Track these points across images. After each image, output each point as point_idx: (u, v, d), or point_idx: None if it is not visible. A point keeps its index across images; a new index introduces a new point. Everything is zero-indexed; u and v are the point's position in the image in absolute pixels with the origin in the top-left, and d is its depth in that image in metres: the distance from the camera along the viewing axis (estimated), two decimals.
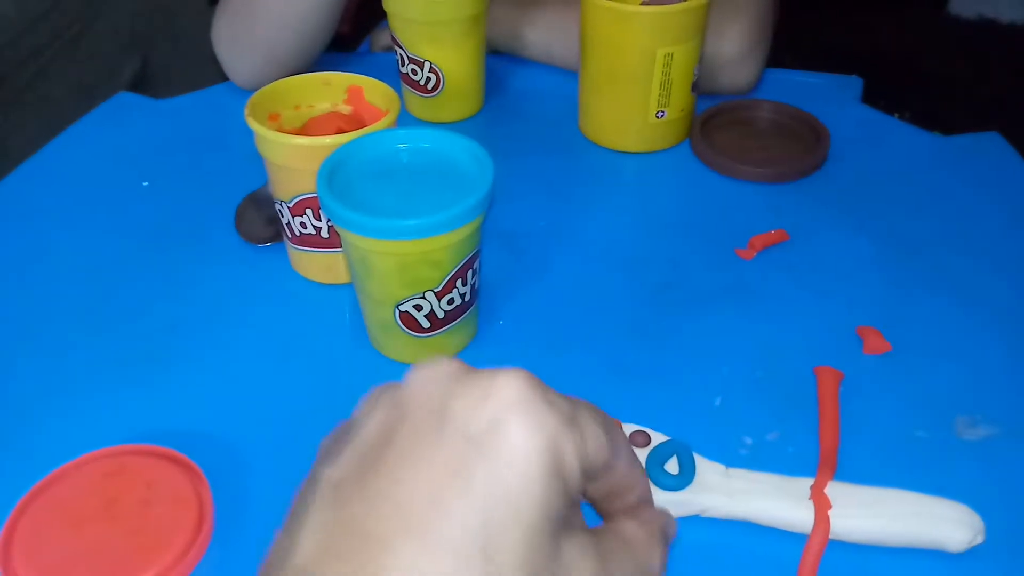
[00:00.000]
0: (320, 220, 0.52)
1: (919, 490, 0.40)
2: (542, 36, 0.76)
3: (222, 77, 0.77)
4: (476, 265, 0.48)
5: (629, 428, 0.43)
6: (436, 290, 0.46)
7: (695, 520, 0.41)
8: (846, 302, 0.54)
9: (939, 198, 0.63)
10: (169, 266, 0.58)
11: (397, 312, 0.47)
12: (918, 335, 0.51)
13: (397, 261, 0.44)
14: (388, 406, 0.29)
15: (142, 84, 1.02)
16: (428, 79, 0.70)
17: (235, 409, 0.47)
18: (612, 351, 0.51)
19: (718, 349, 0.51)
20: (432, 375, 0.28)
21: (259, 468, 0.44)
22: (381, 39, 0.86)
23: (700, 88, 0.68)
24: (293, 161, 0.50)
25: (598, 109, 0.68)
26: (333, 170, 0.46)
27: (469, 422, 0.26)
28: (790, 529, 0.40)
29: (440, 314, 0.47)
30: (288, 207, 0.52)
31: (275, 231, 0.59)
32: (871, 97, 0.78)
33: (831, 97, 0.75)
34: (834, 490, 0.40)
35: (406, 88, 0.72)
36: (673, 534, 0.34)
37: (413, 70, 0.70)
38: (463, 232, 0.44)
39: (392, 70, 0.73)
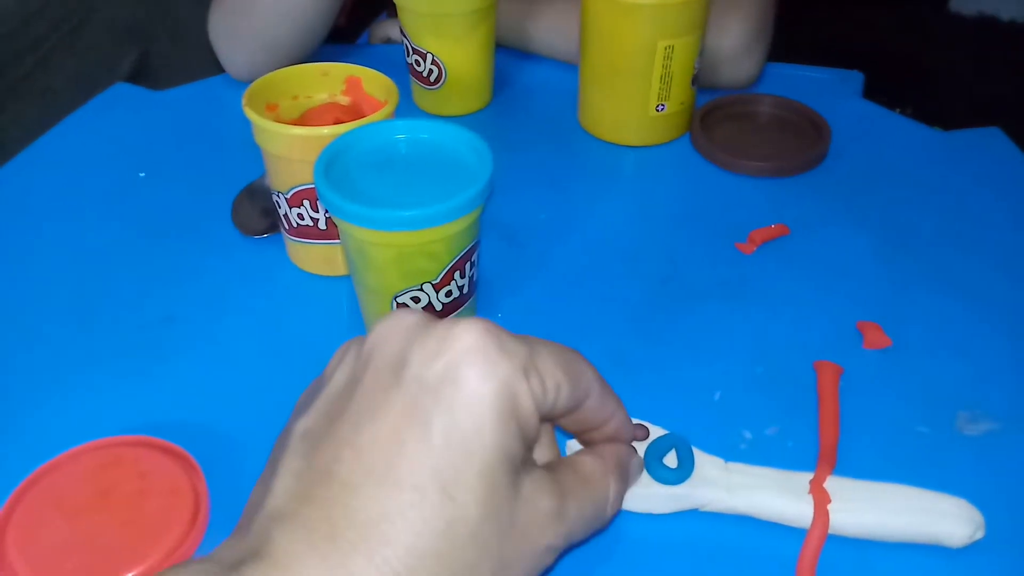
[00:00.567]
0: (317, 211, 0.52)
1: (919, 485, 0.40)
2: (548, 30, 0.76)
3: (221, 69, 0.76)
4: (474, 258, 0.47)
5: None
6: (434, 282, 0.46)
7: (694, 514, 0.40)
8: (846, 297, 0.53)
9: (940, 193, 0.63)
10: (165, 257, 0.58)
11: (395, 304, 0.46)
12: (919, 330, 0.51)
13: (395, 252, 0.44)
14: (353, 359, 0.30)
15: (141, 76, 1.02)
16: (431, 71, 0.70)
17: (230, 401, 0.47)
18: (611, 344, 0.51)
19: (718, 343, 0.50)
20: (394, 327, 0.29)
21: (254, 460, 0.43)
22: (380, 31, 0.86)
23: (700, 82, 0.68)
24: (290, 151, 0.50)
25: (598, 102, 0.68)
26: (331, 161, 0.45)
27: (426, 370, 0.27)
28: (789, 523, 0.40)
29: (438, 306, 0.47)
30: (285, 198, 0.52)
31: (271, 223, 0.58)
32: (872, 92, 0.77)
33: (832, 92, 0.75)
34: (833, 485, 0.40)
35: (412, 79, 0.72)
36: (632, 466, 0.36)
37: (417, 61, 0.70)
38: (461, 224, 0.44)
39: (391, 61, 0.72)
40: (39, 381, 0.49)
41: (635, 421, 0.43)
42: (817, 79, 0.77)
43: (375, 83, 0.55)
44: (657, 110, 0.66)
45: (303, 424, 0.29)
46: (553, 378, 0.29)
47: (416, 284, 0.45)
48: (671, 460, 0.41)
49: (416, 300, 0.46)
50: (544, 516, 0.28)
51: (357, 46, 0.88)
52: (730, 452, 0.42)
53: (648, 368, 0.49)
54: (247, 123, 0.50)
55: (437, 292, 0.46)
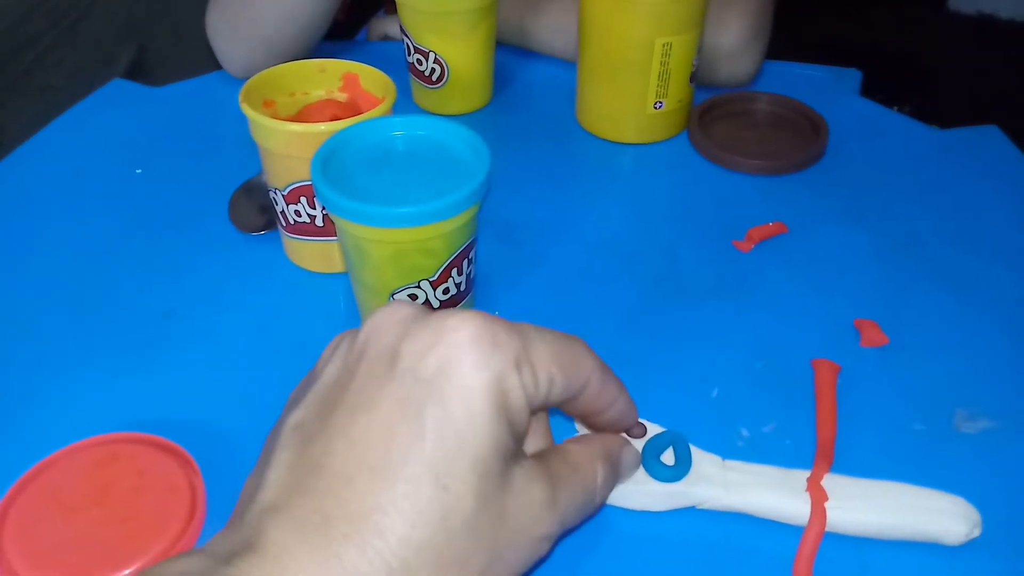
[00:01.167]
0: (314, 208, 0.52)
1: (916, 483, 0.40)
2: (549, 29, 0.75)
3: (219, 65, 0.76)
4: (472, 255, 0.47)
5: None
6: (431, 279, 0.46)
7: (691, 512, 0.40)
8: (844, 294, 0.53)
9: (937, 191, 0.63)
10: (162, 254, 0.57)
11: (392, 301, 0.46)
12: (916, 328, 0.51)
13: (392, 249, 0.44)
14: (346, 351, 0.30)
15: (139, 71, 1.02)
16: (433, 70, 0.69)
17: (228, 398, 0.47)
18: (608, 342, 0.50)
19: (715, 341, 0.50)
20: (387, 319, 0.29)
21: (251, 456, 0.43)
22: (378, 28, 0.86)
23: (699, 79, 0.68)
24: (287, 148, 0.49)
25: (596, 100, 0.68)
26: (327, 157, 0.45)
27: (419, 363, 0.27)
28: (786, 521, 0.40)
29: (435, 304, 0.47)
30: (282, 195, 0.52)
31: (268, 219, 0.58)
32: (870, 91, 0.77)
33: (830, 90, 0.75)
34: (831, 482, 0.40)
35: (413, 79, 0.72)
36: (624, 456, 0.36)
37: (418, 60, 0.70)
38: (458, 221, 0.44)
39: (388, 59, 0.72)
40: (36, 378, 0.49)
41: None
42: (815, 77, 0.77)
43: (372, 79, 0.55)
44: (655, 107, 0.66)
45: (296, 417, 0.29)
46: (546, 371, 0.29)
47: (413, 281, 0.45)
48: (668, 458, 0.41)
49: (413, 297, 0.46)
50: (537, 505, 0.29)
51: (355, 42, 0.88)
52: (727, 450, 0.42)
53: (645, 365, 0.49)
54: (244, 119, 0.50)
55: (434, 289, 0.46)
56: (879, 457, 0.43)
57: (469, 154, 0.46)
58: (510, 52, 0.78)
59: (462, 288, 0.48)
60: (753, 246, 0.57)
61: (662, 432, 0.41)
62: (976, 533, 0.39)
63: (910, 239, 0.58)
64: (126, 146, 0.69)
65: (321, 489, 0.26)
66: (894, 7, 1.99)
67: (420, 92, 0.72)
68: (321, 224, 0.53)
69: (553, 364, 0.30)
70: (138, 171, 0.66)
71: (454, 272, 0.46)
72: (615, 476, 0.35)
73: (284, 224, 0.54)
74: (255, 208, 0.60)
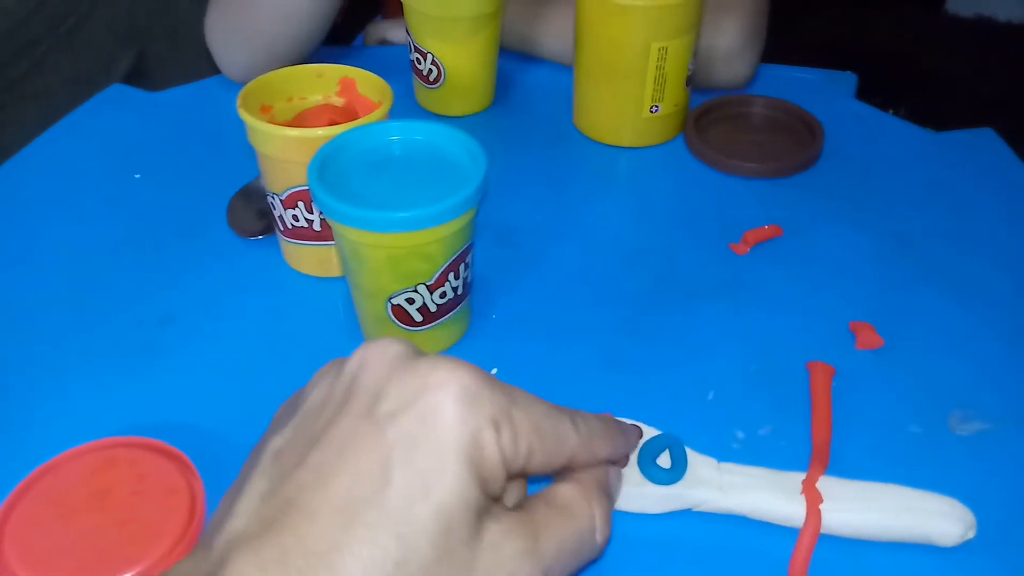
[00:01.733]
0: (312, 213, 0.52)
1: (911, 485, 0.40)
2: (555, 37, 0.76)
3: (218, 69, 0.76)
4: (469, 259, 0.47)
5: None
6: (428, 283, 0.46)
7: (687, 514, 0.41)
8: (839, 297, 0.54)
9: (932, 194, 0.63)
10: (160, 259, 0.58)
11: (389, 305, 0.47)
12: (911, 330, 0.51)
13: (389, 254, 0.44)
14: (333, 383, 0.30)
15: (138, 76, 1.02)
16: (430, 71, 0.70)
17: (226, 402, 0.47)
18: (605, 345, 0.51)
19: (711, 344, 0.51)
20: (376, 356, 0.29)
21: None
22: (375, 33, 0.86)
23: (694, 83, 0.68)
24: (285, 153, 0.50)
25: (592, 103, 0.68)
26: (325, 162, 0.45)
27: (400, 409, 0.27)
28: (782, 523, 0.40)
29: (432, 307, 0.47)
30: (280, 200, 0.52)
31: (267, 224, 0.59)
32: (866, 93, 0.78)
33: (825, 93, 0.75)
34: (826, 484, 0.40)
35: (415, 77, 0.72)
36: (612, 482, 0.34)
37: (417, 59, 0.70)
38: (455, 225, 0.44)
39: (386, 63, 0.72)
40: (36, 383, 0.49)
41: (629, 422, 0.43)
42: (810, 80, 0.78)
43: (369, 84, 0.55)
44: (651, 111, 0.66)
45: (276, 443, 0.29)
46: (527, 440, 0.29)
47: (410, 286, 0.46)
48: (664, 460, 0.41)
49: (411, 301, 0.46)
50: (511, 560, 0.28)
51: (352, 47, 0.89)
52: (723, 452, 0.42)
53: (642, 368, 0.49)
54: (242, 124, 0.51)
55: (431, 293, 0.46)
56: (874, 459, 0.43)
57: (466, 158, 0.46)
58: (511, 56, 0.78)
59: (459, 292, 0.48)
60: (749, 249, 0.58)
61: (658, 435, 0.41)
62: (971, 534, 0.39)
63: (905, 242, 0.58)
64: (125, 151, 0.69)
65: (286, 524, 0.26)
66: (891, 9, 1.99)
67: (420, 91, 0.73)
68: (319, 229, 0.53)
69: (535, 436, 0.29)
70: (136, 176, 0.66)
71: (451, 276, 0.46)
72: (612, 504, 0.34)
73: (282, 229, 0.54)
74: (253, 213, 0.60)
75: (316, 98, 0.56)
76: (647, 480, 0.40)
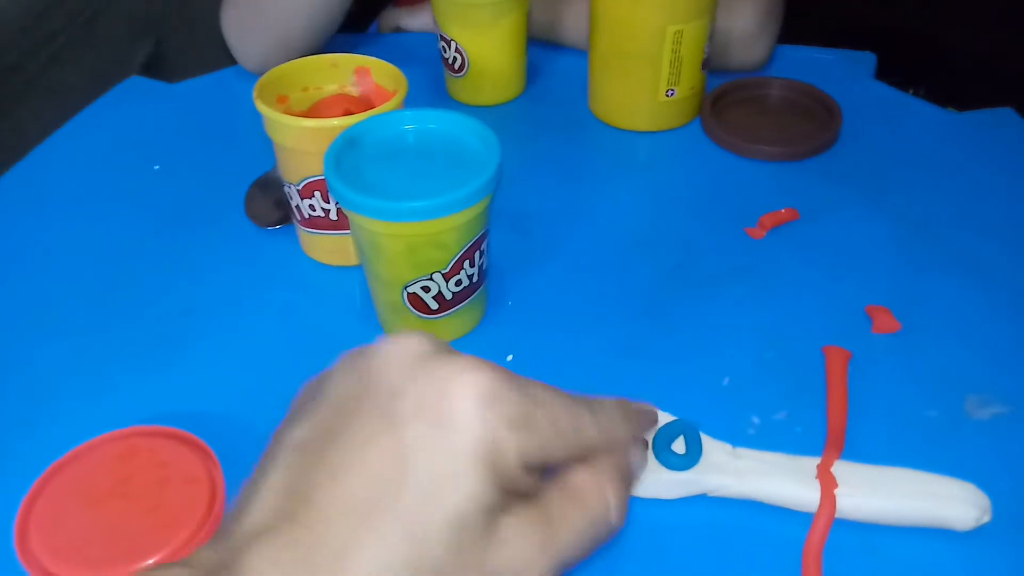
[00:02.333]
0: (328, 202, 0.53)
1: (927, 469, 0.40)
2: (576, 22, 0.75)
3: (234, 60, 0.77)
4: (484, 246, 0.48)
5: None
6: (444, 271, 0.46)
7: (702, 499, 0.41)
8: (856, 281, 0.53)
9: (952, 175, 0.62)
10: (179, 249, 0.58)
11: (405, 293, 0.47)
12: (928, 314, 0.51)
13: (405, 243, 0.44)
14: (355, 376, 0.30)
15: (155, 68, 1.02)
16: (455, 58, 0.70)
17: (245, 390, 0.48)
18: (620, 331, 0.51)
19: (727, 329, 0.51)
20: (400, 353, 0.29)
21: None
22: (389, 20, 0.86)
23: (711, 66, 0.68)
24: (301, 143, 0.50)
25: (608, 88, 0.68)
26: (341, 152, 0.46)
27: (419, 410, 0.27)
28: (796, 508, 0.40)
29: (448, 295, 0.47)
30: (297, 190, 0.53)
31: (284, 214, 0.59)
32: (885, 73, 0.77)
33: (844, 74, 0.74)
34: (841, 469, 0.40)
35: (445, 66, 0.73)
36: (629, 459, 0.34)
37: (443, 47, 0.71)
38: (470, 213, 0.44)
39: (403, 51, 0.73)
40: (58, 374, 0.50)
41: (644, 405, 0.43)
42: (829, 61, 0.77)
43: (384, 74, 0.55)
44: (667, 95, 0.66)
45: (298, 434, 0.29)
46: (546, 439, 0.29)
47: (426, 274, 0.46)
48: (679, 446, 0.41)
49: (427, 289, 0.47)
50: (525, 553, 0.28)
51: (366, 35, 0.89)
52: (738, 438, 0.42)
53: (657, 354, 0.49)
54: (259, 115, 0.51)
55: (447, 281, 0.47)
56: (890, 444, 0.43)
57: (480, 146, 0.46)
58: (537, 45, 0.77)
59: (474, 280, 0.48)
60: (765, 233, 0.57)
61: (673, 421, 0.42)
62: (986, 519, 0.39)
63: (923, 224, 0.58)
64: (143, 143, 0.70)
65: (302, 520, 0.26)
66: None
67: (448, 79, 0.73)
68: (335, 218, 0.53)
69: (553, 435, 0.29)
70: (156, 167, 0.66)
71: (466, 264, 0.47)
72: (630, 486, 0.33)
73: (299, 218, 0.55)
74: (270, 203, 0.61)
75: (331, 88, 0.57)
76: (662, 466, 0.40)
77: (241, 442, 0.44)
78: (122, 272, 0.57)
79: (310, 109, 0.55)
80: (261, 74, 0.54)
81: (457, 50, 0.69)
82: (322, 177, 0.51)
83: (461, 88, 0.72)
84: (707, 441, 0.41)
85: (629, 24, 0.63)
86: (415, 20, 0.84)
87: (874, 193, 0.61)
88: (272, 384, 0.48)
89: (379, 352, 0.30)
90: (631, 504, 0.41)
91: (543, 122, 0.70)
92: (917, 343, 0.49)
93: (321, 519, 0.26)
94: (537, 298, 0.53)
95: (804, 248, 0.56)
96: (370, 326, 0.52)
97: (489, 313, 0.52)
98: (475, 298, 0.49)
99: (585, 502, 0.31)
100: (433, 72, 0.75)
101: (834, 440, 0.42)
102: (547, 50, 0.78)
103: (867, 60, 0.79)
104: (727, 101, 0.69)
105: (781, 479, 0.40)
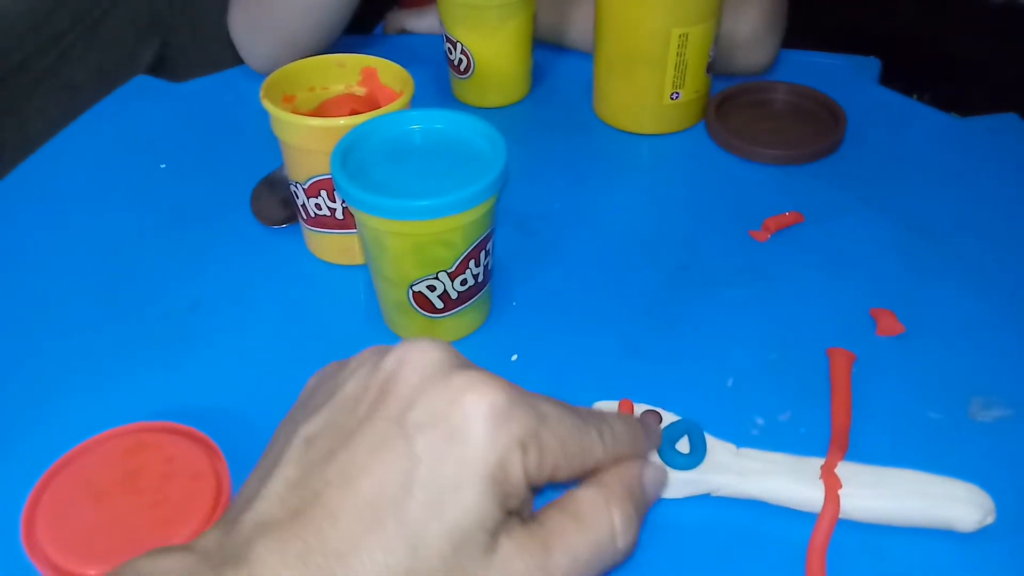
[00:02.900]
0: (335, 201, 0.53)
1: (931, 471, 0.40)
2: (582, 25, 0.76)
3: (241, 60, 0.77)
4: (489, 246, 0.48)
5: (640, 408, 0.43)
6: (449, 271, 0.46)
7: (705, 499, 0.41)
8: (860, 284, 0.54)
9: (956, 180, 0.63)
10: (186, 248, 0.59)
11: (411, 292, 0.47)
12: (932, 317, 0.51)
13: (410, 241, 0.45)
14: (370, 376, 0.30)
15: (162, 68, 1.03)
16: (460, 60, 0.70)
17: (250, 387, 0.48)
18: (625, 332, 0.51)
19: (731, 330, 0.51)
20: (416, 360, 0.29)
21: None
22: (395, 21, 0.86)
23: (715, 69, 0.68)
24: (307, 142, 0.50)
25: (613, 91, 0.68)
26: (347, 151, 0.46)
27: (430, 422, 0.28)
28: (800, 508, 0.40)
29: (453, 295, 0.48)
30: (303, 188, 0.53)
31: (290, 213, 0.59)
32: (890, 79, 0.77)
33: (848, 78, 0.74)
34: (845, 470, 0.40)
35: (450, 67, 0.73)
36: (648, 478, 0.33)
37: (448, 48, 0.71)
38: (476, 213, 0.44)
39: (409, 52, 0.73)
40: (66, 370, 0.50)
41: (647, 407, 0.44)
42: (833, 65, 0.77)
43: (391, 74, 0.56)
44: (672, 98, 0.66)
45: (309, 429, 0.30)
46: (553, 459, 0.29)
47: (432, 273, 0.46)
48: (683, 446, 0.41)
49: (432, 288, 0.47)
50: (520, 574, 0.28)
51: (374, 36, 0.89)
52: (742, 438, 0.43)
53: (662, 355, 0.49)
54: (265, 114, 0.51)
55: (452, 280, 0.47)
56: (894, 445, 0.43)
57: (486, 146, 0.46)
58: (543, 48, 0.78)
59: (480, 279, 0.48)
60: (770, 236, 0.58)
61: (677, 421, 0.42)
62: (990, 520, 0.39)
63: (927, 228, 0.58)
64: (150, 142, 0.70)
65: (310, 517, 0.27)
66: None
67: (453, 81, 0.74)
68: (341, 217, 0.54)
69: (560, 455, 0.29)
70: (162, 166, 0.67)
71: (472, 263, 0.47)
72: (642, 507, 0.33)
73: (305, 217, 0.55)
74: (277, 201, 0.61)
75: (338, 88, 0.57)
76: (666, 465, 0.40)
77: (246, 438, 0.45)
78: (129, 270, 0.57)
79: (316, 109, 0.56)
80: (268, 74, 0.54)
81: (463, 52, 0.70)
82: (328, 176, 0.51)
83: (466, 90, 0.72)
84: (711, 441, 0.41)
85: (634, 27, 0.63)
86: (421, 22, 0.84)
87: (878, 197, 0.61)
88: (277, 382, 0.48)
89: (396, 355, 0.30)
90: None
91: (548, 124, 0.71)
92: (921, 346, 0.49)
93: (329, 518, 0.26)
94: (542, 298, 0.54)
95: (808, 251, 0.56)
96: (375, 325, 0.52)
97: (494, 313, 0.52)
98: (480, 298, 0.50)
99: (587, 525, 0.30)
100: (438, 74, 0.75)
101: (838, 441, 0.42)
102: (552, 52, 0.78)
103: (872, 65, 0.79)
104: (732, 104, 0.70)
105: (785, 479, 0.40)
